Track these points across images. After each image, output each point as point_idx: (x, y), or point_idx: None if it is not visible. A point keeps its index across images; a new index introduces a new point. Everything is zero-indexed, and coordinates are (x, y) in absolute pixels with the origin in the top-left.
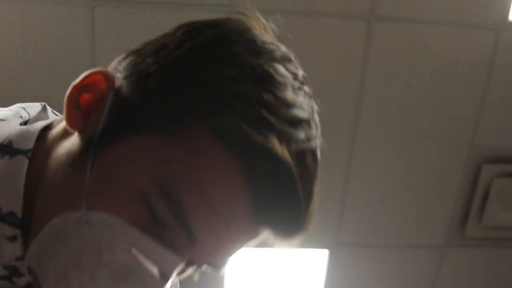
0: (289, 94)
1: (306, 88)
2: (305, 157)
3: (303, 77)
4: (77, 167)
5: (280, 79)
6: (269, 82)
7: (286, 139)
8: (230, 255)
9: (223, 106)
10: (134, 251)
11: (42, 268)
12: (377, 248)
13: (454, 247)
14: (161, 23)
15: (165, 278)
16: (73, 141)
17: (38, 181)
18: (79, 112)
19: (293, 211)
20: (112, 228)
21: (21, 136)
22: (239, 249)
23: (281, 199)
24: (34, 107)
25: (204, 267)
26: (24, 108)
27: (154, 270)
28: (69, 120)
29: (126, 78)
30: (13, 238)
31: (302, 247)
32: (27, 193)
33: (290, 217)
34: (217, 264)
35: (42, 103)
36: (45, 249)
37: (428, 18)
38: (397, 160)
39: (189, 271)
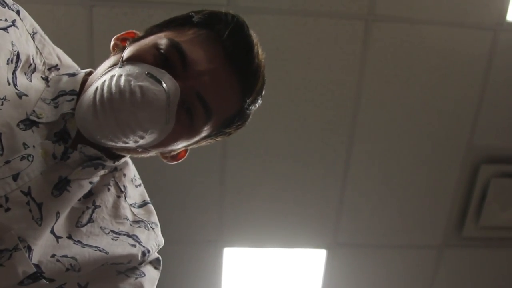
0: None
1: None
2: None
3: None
4: (116, 54)
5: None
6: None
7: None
8: (213, 85)
9: (194, 22)
10: (148, 74)
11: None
12: (374, 248)
13: (452, 247)
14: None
15: (168, 97)
16: (113, 57)
17: (90, 81)
18: (119, 45)
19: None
20: (135, 65)
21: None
22: (218, 85)
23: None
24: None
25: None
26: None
27: (162, 86)
28: (113, 48)
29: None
30: (72, 93)
31: (300, 247)
32: (83, 86)
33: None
34: (206, 90)
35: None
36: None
37: (426, 18)
38: (394, 160)
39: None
